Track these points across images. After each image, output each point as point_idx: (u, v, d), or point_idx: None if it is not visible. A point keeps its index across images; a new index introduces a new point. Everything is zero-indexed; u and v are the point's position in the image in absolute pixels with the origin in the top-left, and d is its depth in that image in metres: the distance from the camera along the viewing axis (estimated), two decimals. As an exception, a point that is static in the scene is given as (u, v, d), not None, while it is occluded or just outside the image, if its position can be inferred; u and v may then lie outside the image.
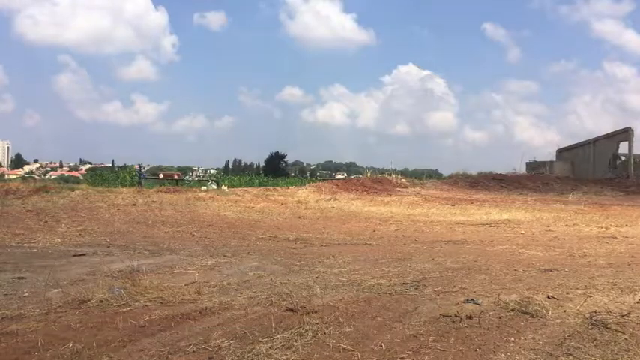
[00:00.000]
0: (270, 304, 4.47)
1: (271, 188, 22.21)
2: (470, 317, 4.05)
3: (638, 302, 4.57)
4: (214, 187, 21.62)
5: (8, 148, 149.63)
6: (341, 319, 3.99)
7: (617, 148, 31.36)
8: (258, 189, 21.40)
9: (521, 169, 32.82)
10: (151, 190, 17.56)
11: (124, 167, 25.55)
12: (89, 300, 4.47)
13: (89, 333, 3.70)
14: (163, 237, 9.77)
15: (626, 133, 30.43)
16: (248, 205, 16.04)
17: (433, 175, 36.22)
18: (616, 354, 3.35)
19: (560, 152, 35.70)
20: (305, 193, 20.38)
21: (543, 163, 32.55)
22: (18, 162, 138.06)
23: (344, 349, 3.35)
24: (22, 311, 4.22)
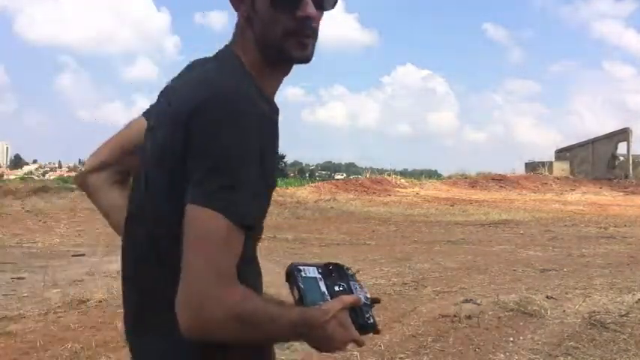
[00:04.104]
0: (270, 305, 4.46)
1: (270, 188, 22.18)
2: (469, 317, 4.05)
3: (636, 302, 4.58)
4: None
5: (7, 148, 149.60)
6: (340, 320, 3.98)
7: (616, 148, 31.35)
8: (258, 189, 21.36)
9: (520, 170, 32.84)
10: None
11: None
12: (88, 300, 4.47)
13: (88, 333, 3.70)
14: (162, 237, 9.75)
15: (624, 134, 30.43)
16: (247, 205, 16.01)
17: (432, 176, 36.17)
18: (615, 354, 3.35)
19: (559, 152, 35.72)
20: (304, 194, 20.36)
21: (542, 164, 32.55)
22: (17, 162, 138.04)
23: (343, 349, 3.35)
24: (21, 312, 4.22)
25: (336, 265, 0.99)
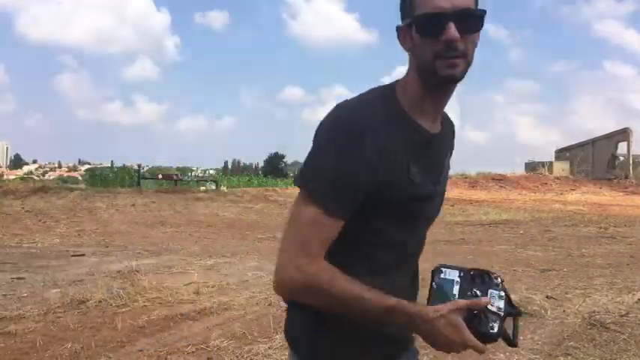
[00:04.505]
0: (269, 305, 4.47)
1: (270, 188, 22.20)
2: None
3: (636, 302, 4.58)
4: (213, 187, 21.60)
5: (7, 148, 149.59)
6: (340, 320, 3.98)
7: (616, 148, 31.34)
8: (257, 189, 21.38)
9: (520, 170, 32.83)
10: (150, 191, 17.55)
11: (123, 167, 25.44)
12: (88, 300, 4.47)
13: (88, 333, 3.70)
14: (162, 237, 9.77)
15: (624, 134, 30.41)
16: (247, 205, 16.03)
17: (432, 176, 36.04)
18: (615, 354, 3.35)
19: (559, 152, 35.72)
20: (304, 194, 20.32)
21: (542, 164, 32.54)
22: (17, 162, 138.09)
23: (343, 349, 3.34)
24: (20, 312, 4.22)
25: (481, 272, 1.02)
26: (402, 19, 1.08)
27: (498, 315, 0.96)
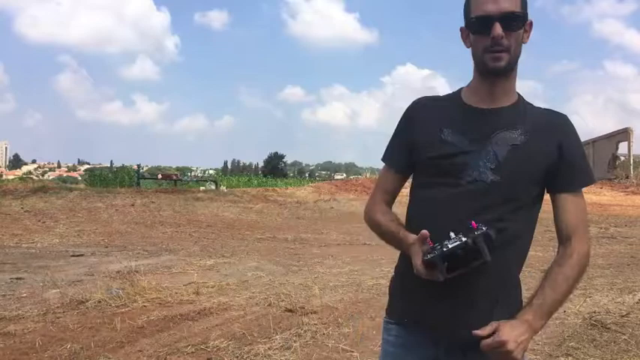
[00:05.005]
0: (269, 305, 4.46)
1: (270, 188, 22.16)
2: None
3: (637, 303, 4.57)
4: (213, 187, 21.57)
5: (6, 148, 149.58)
6: (340, 320, 3.98)
7: (617, 148, 31.30)
8: (257, 189, 21.35)
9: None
10: (150, 191, 17.52)
11: (122, 167, 25.41)
12: (87, 301, 4.46)
13: (87, 334, 3.69)
14: (162, 237, 9.75)
15: (625, 133, 30.36)
16: (247, 205, 16.02)
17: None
18: (615, 354, 3.35)
19: (559, 152, 35.62)
20: (304, 194, 20.35)
21: (542, 164, 32.41)
22: (16, 162, 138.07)
23: (343, 349, 3.34)
24: (20, 312, 4.21)
25: (483, 232, 1.17)
26: (464, 23, 1.32)
27: (441, 250, 1.15)
